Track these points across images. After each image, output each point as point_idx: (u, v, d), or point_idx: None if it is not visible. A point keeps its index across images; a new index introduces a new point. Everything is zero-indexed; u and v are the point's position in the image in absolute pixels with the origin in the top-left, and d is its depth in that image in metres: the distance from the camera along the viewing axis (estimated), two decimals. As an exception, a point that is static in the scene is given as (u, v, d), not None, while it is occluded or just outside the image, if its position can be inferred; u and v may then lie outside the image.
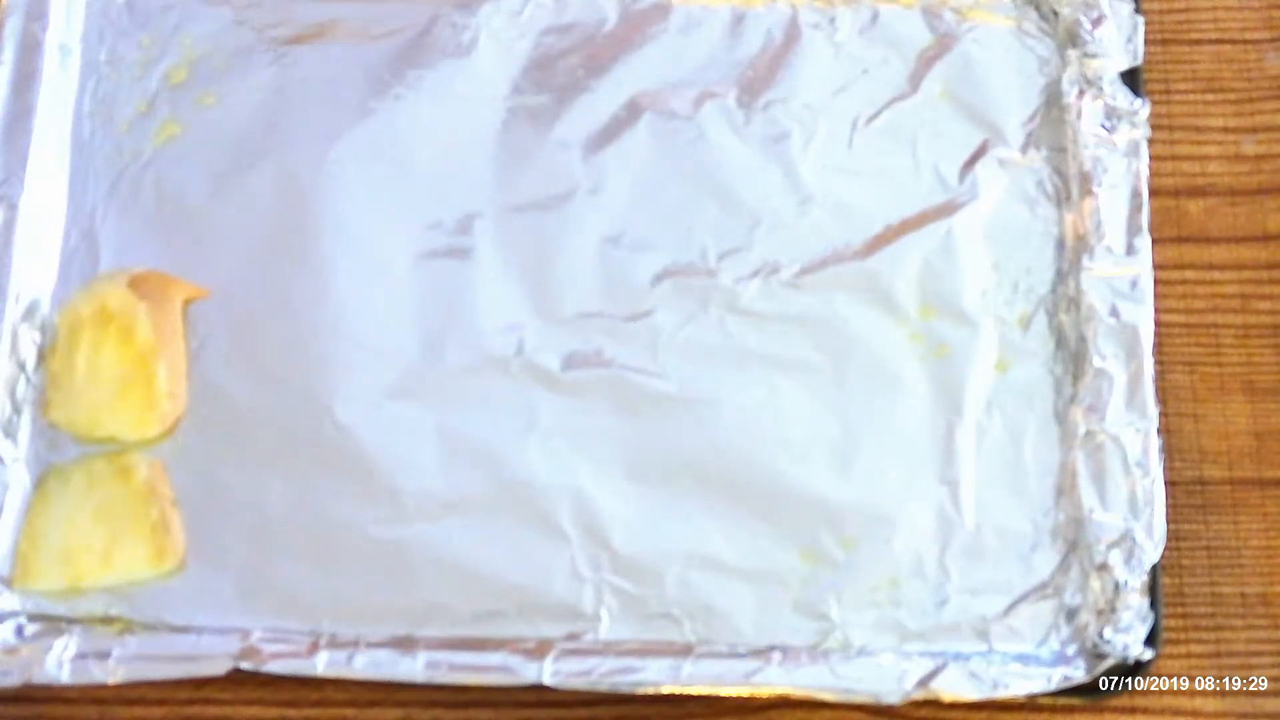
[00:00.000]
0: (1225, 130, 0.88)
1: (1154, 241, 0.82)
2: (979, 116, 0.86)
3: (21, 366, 0.82)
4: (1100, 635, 0.76)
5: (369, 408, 0.81)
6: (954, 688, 0.75)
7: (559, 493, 0.79)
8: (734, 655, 0.77)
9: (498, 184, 0.85)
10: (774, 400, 0.81)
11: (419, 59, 0.88)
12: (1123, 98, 0.84)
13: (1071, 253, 0.83)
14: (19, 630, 0.77)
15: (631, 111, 0.87)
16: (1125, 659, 0.75)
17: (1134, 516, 0.77)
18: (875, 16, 0.88)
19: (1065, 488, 0.79)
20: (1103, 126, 0.84)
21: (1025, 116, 0.86)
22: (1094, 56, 0.85)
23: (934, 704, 0.76)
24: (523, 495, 0.79)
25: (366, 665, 0.76)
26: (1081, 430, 0.79)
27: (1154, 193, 0.83)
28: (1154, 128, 0.84)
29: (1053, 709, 0.77)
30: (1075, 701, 0.77)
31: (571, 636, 0.77)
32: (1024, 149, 0.85)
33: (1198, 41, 0.90)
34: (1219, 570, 0.80)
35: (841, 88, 0.87)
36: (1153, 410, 0.79)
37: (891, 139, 0.86)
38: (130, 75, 0.88)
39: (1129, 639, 0.75)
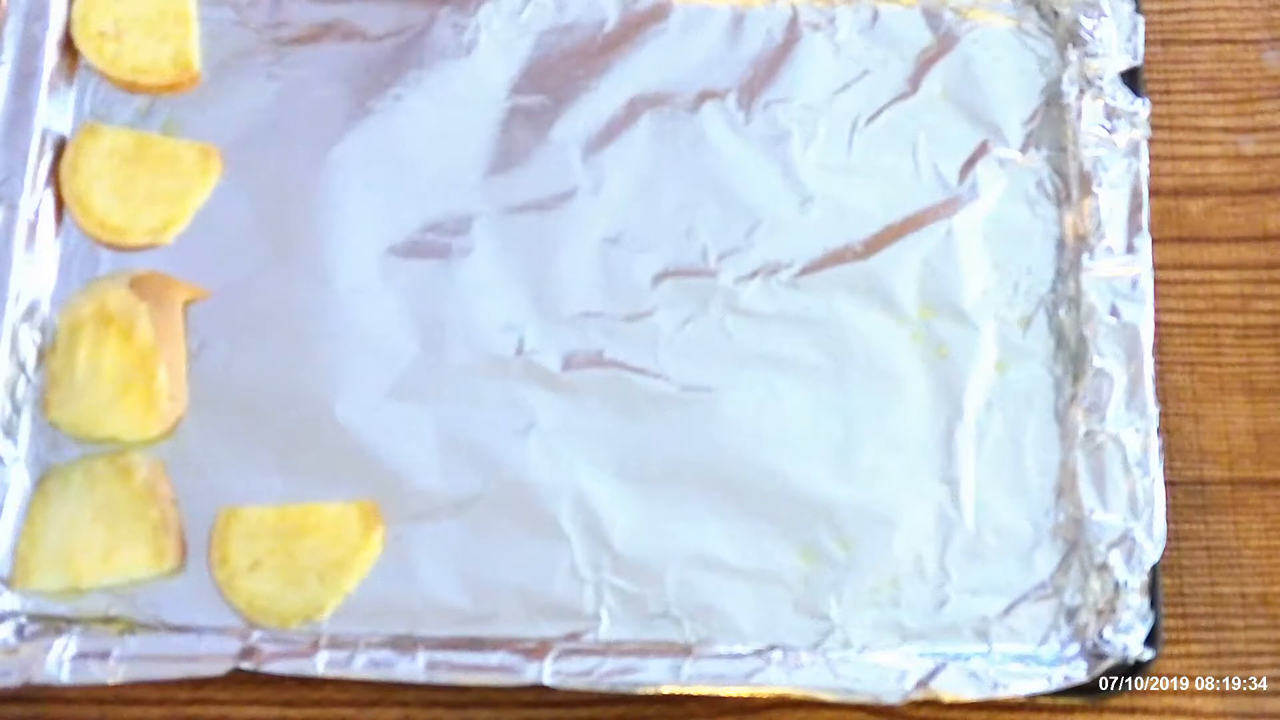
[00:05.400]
0: (1225, 130, 0.88)
1: (1154, 241, 0.82)
2: (979, 116, 0.86)
3: (21, 366, 0.82)
4: (1100, 635, 0.76)
5: (369, 408, 0.81)
6: (954, 688, 0.75)
7: (559, 493, 0.79)
8: (734, 655, 0.76)
9: (497, 184, 0.85)
10: (774, 400, 0.81)
11: (419, 59, 0.88)
12: (1123, 98, 0.84)
13: (1071, 253, 0.83)
14: (19, 630, 0.77)
15: (631, 111, 0.87)
16: (1125, 659, 0.75)
17: (1134, 516, 0.77)
18: (875, 16, 0.88)
19: (1065, 488, 0.79)
20: (1103, 126, 0.84)
21: (1025, 116, 0.86)
22: (1094, 56, 0.85)
23: (934, 704, 0.75)
24: (522, 495, 0.79)
25: (366, 665, 0.76)
26: (1081, 430, 0.79)
27: (1154, 193, 0.83)
28: (1154, 128, 0.84)
29: (1053, 709, 0.77)
30: (1075, 701, 0.77)
31: (571, 636, 0.77)
32: (1024, 149, 0.85)
33: (1198, 41, 0.90)
34: (1219, 570, 0.80)
35: (841, 88, 0.87)
36: (1153, 410, 0.79)
37: (891, 139, 0.86)
38: (130, 75, 0.88)
39: (1129, 639, 0.75)
